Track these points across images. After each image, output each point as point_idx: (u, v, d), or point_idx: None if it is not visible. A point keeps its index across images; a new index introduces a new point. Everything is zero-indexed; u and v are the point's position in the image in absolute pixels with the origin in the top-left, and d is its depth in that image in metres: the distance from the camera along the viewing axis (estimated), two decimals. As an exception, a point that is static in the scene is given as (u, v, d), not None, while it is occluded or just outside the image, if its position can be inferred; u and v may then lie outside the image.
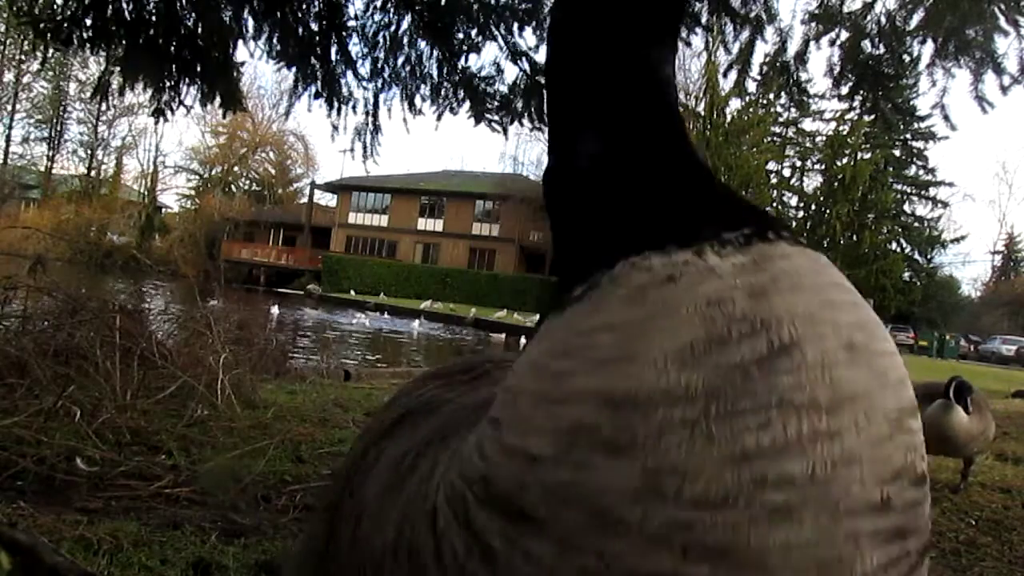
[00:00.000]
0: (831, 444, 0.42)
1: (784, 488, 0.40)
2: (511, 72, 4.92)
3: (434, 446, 0.62)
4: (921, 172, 44.40)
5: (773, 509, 0.40)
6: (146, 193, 49.82)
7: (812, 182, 43.63)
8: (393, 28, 4.80)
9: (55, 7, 4.39)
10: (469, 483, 0.49)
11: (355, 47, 4.87)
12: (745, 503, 0.40)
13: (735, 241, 0.47)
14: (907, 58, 4.17)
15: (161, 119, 4.72)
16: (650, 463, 0.41)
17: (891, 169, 42.34)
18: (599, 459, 0.43)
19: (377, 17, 4.79)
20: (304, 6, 4.61)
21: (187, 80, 4.54)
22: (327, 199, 49.22)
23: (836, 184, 39.98)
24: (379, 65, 4.90)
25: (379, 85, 4.98)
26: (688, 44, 4.53)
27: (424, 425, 0.71)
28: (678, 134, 0.57)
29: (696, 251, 0.47)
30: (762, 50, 4.45)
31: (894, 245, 43.06)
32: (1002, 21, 3.67)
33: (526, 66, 4.81)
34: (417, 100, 4.98)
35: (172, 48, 4.35)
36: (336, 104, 4.92)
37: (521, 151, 63.09)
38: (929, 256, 44.47)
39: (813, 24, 4.27)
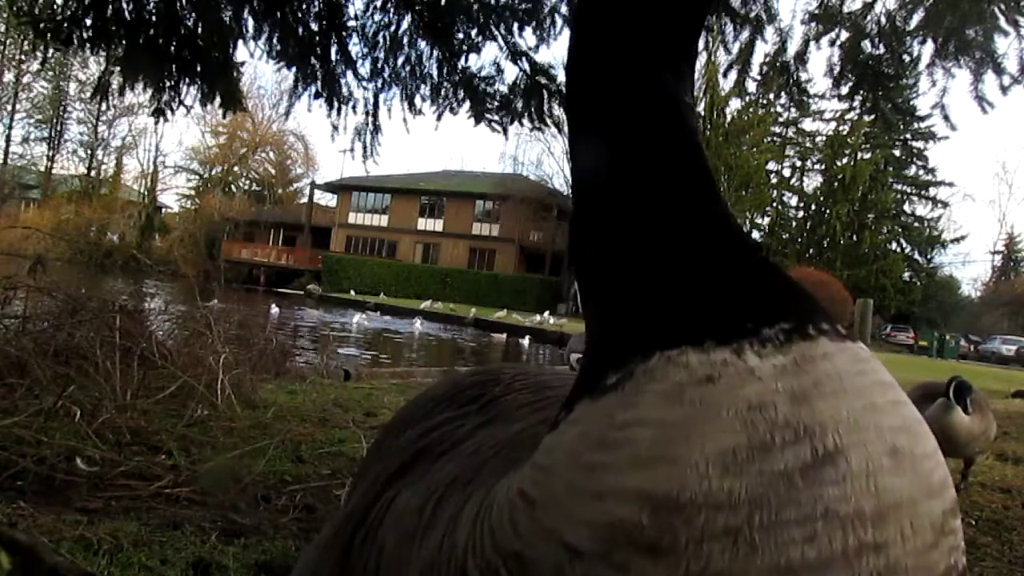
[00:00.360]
0: (876, 557, 0.41)
1: None
2: (511, 72, 4.93)
3: (455, 493, 0.62)
4: (921, 172, 44.43)
5: None
6: (146, 193, 49.83)
7: (812, 182, 43.69)
8: (393, 28, 4.80)
9: (55, 7, 4.39)
10: (503, 557, 0.49)
11: (355, 47, 4.88)
12: None
13: (775, 339, 0.46)
14: (907, 58, 4.17)
15: (161, 119, 4.72)
16: (692, 569, 0.41)
17: (891, 169, 42.36)
18: (640, 561, 0.43)
19: (377, 17, 4.80)
20: (304, 6, 4.61)
21: (187, 80, 4.54)
22: (327, 199, 49.28)
23: (836, 184, 40.00)
24: (379, 65, 4.90)
25: (379, 85, 4.99)
26: (688, 44, 4.51)
27: (440, 469, 0.71)
28: (714, 197, 0.55)
29: (735, 350, 0.46)
30: (762, 50, 4.45)
31: (894, 245, 43.09)
32: (1002, 21, 3.67)
33: (526, 66, 4.82)
34: (417, 100, 4.98)
35: (172, 48, 4.35)
36: (336, 104, 4.92)
37: (521, 151, 63.16)
38: (929, 256, 44.51)
39: (813, 24, 4.27)
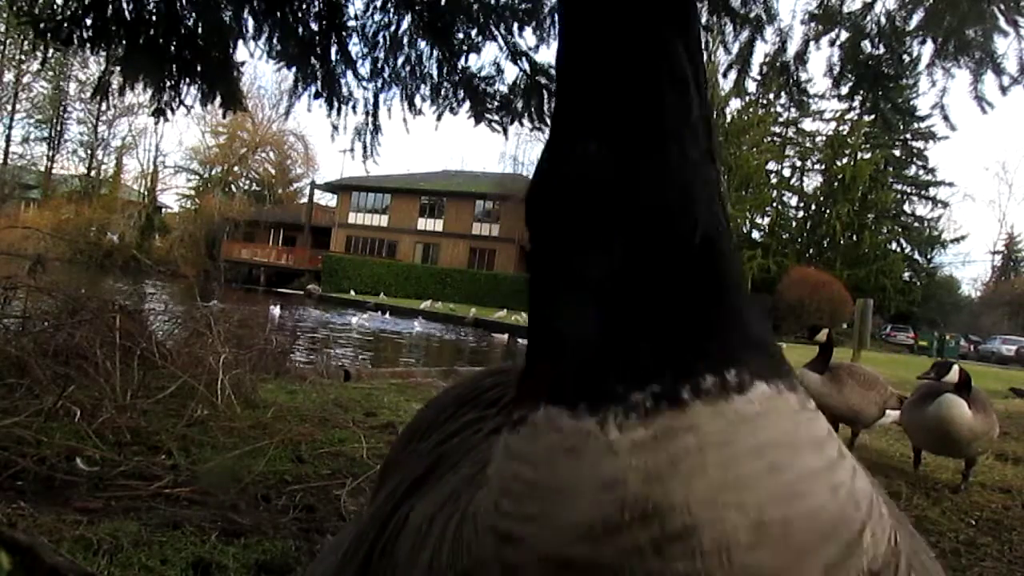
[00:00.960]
0: None
1: None
2: (511, 72, 4.93)
3: (452, 505, 0.62)
4: (921, 172, 44.42)
5: None
6: (146, 193, 49.82)
7: (812, 182, 43.69)
8: (393, 28, 4.80)
9: (55, 7, 4.39)
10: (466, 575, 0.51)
11: (355, 47, 4.87)
12: None
13: (640, 407, 0.45)
14: (907, 58, 4.17)
15: (161, 119, 4.72)
16: None
17: (891, 169, 42.36)
18: None
19: (377, 17, 4.80)
20: (304, 6, 4.61)
21: (187, 80, 4.54)
22: (327, 199, 49.28)
23: (836, 184, 40.00)
24: (379, 65, 4.90)
25: (379, 85, 4.99)
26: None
27: (450, 479, 0.71)
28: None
29: (600, 420, 0.45)
30: (762, 50, 4.45)
31: (894, 245, 43.09)
32: (1002, 21, 3.67)
33: (526, 66, 4.82)
34: (417, 100, 4.98)
35: (172, 48, 4.35)
36: (336, 104, 4.92)
37: (521, 151, 63.05)
38: (929, 256, 44.52)
39: (813, 24, 4.27)
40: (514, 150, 54.88)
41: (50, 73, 45.47)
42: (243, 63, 4.88)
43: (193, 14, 4.37)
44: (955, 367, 3.93)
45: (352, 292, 35.58)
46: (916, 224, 44.52)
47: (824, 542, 0.44)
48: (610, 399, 0.46)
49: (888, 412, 4.74)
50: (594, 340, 0.47)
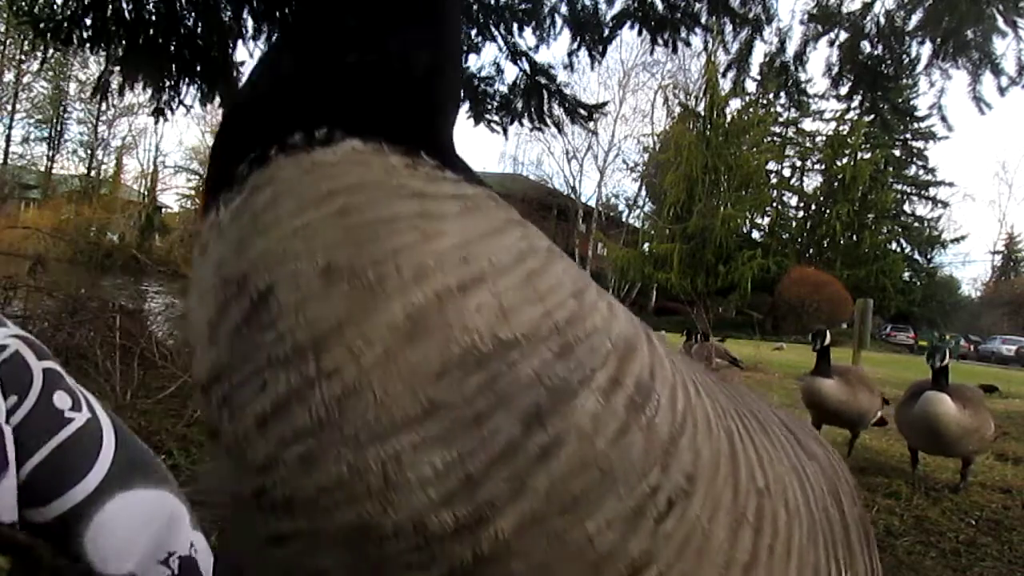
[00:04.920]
0: (329, 384, 0.38)
1: (301, 440, 0.38)
2: (511, 72, 4.94)
3: None
4: (921, 172, 44.42)
5: (300, 461, 0.38)
6: (146, 193, 49.82)
7: (812, 182, 43.68)
8: (393, 28, 4.80)
9: (55, 7, 4.40)
10: None
11: (355, 47, 4.87)
12: (278, 463, 0.39)
13: (240, 177, 0.41)
14: (906, 59, 4.18)
15: (161, 119, 4.73)
16: (220, 435, 0.41)
17: (891, 169, 42.35)
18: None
19: (377, 17, 4.79)
20: (304, 6, 4.61)
21: (187, 80, 4.54)
22: (327, 199, 49.11)
23: (836, 184, 40.02)
24: (379, 65, 4.90)
25: (379, 85, 4.98)
26: (688, 44, 4.54)
27: None
28: None
29: (216, 208, 0.42)
30: (761, 50, 4.46)
31: (894, 245, 43.08)
32: (1000, 22, 3.68)
33: (526, 66, 4.82)
34: (417, 100, 4.97)
35: (172, 48, 4.36)
36: (336, 104, 4.91)
37: (521, 151, 63.14)
38: (929, 256, 44.50)
39: (812, 24, 4.28)
40: (514, 150, 54.93)
41: (50, 73, 45.45)
42: (243, 63, 4.89)
43: (193, 14, 4.38)
44: (946, 351, 3.93)
45: (352, 292, 35.51)
46: (916, 224, 44.51)
47: (407, 291, 0.38)
48: (224, 182, 0.42)
49: (878, 412, 4.81)
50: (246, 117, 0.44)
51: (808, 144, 43.41)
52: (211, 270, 0.41)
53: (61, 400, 0.66)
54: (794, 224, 43.43)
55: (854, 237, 40.46)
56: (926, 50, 4.06)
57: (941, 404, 3.74)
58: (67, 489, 0.63)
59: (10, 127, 48.21)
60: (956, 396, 3.84)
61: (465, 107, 4.95)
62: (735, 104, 36.96)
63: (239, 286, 0.39)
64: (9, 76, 46.27)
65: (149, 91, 4.58)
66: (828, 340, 4.72)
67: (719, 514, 0.41)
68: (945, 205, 44.52)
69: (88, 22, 4.21)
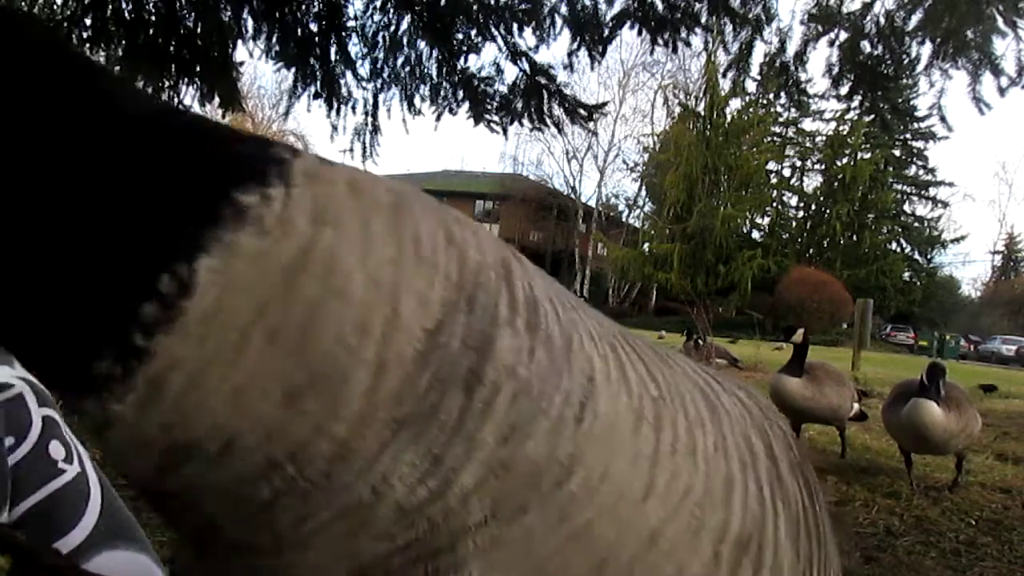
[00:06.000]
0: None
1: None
2: (511, 72, 4.93)
3: None
4: (921, 172, 44.46)
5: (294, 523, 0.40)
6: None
7: (812, 182, 43.71)
8: (392, 28, 4.81)
9: (55, 7, 4.40)
10: None
11: (355, 47, 4.88)
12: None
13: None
14: (905, 59, 4.18)
15: (160, 119, 4.72)
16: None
17: (891, 169, 42.40)
18: None
19: (376, 17, 4.80)
20: (304, 6, 4.61)
21: (186, 80, 4.54)
22: (327, 199, 49.13)
23: (836, 184, 40.04)
24: (378, 65, 4.90)
25: (378, 85, 4.99)
26: (688, 44, 4.54)
27: None
28: None
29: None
30: (761, 50, 4.46)
31: (894, 245, 43.12)
32: (1000, 22, 3.68)
33: (526, 66, 4.82)
34: (416, 100, 4.99)
35: (171, 48, 4.36)
36: (335, 104, 4.92)
37: (521, 151, 63.10)
38: (929, 256, 44.53)
39: (812, 24, 4.28)
40: (514, 150, 54.83)
41: (50, 73, 45.55)
42: (242, 63, 4.89)
43: (192, 14, 4.38)
44: (946, 372, 3.94)
45: (352, 292, 35.54)
46: (916, 224, 44.53)
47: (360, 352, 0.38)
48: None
49: (853, 405, 4.81)
50: None
51: (808, 144, 43.44)
52: None
53: (56, 450, 0.66)
54: (794, 224, 43.45)
55: (854, 237, 40.49)
56: (926, 50, 4.06)
57: (929, 413, 3.75)
58: (54, 540, 0.63)
59: (10, 127, 48.30)
60: (942, 399, 3.85)
61: (464, 107, 4.95)
62: (735, 104, 37.00)
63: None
64: (9, 76, 46.32)
65: (149, 91, 4.58)
66: (800, 337, 4.72)
67: (619, 411, 0.42)
68: (945, 205, 44.59)
69: (88, 22, 4.21)
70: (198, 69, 4.49)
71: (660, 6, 4.35)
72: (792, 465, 0.56)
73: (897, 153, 43.15)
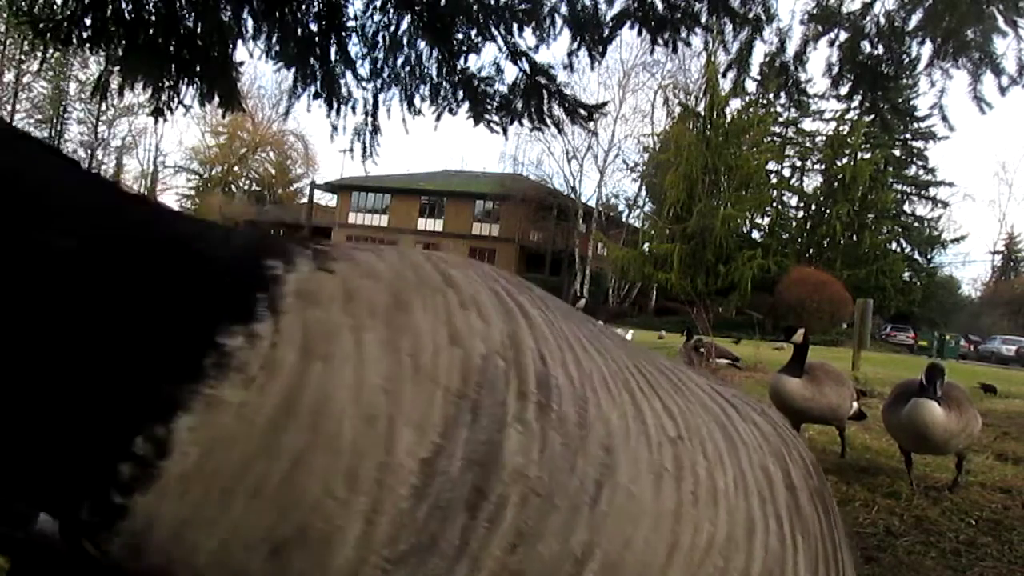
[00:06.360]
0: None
1: None
2: (511, 72, 4.93)
3: None
4: (921, 172, 44.42)
5: None
6: (146, 193, 49.80)
7: (812, 182, 43.68)
8: (392, 28, 4.80)
9: (55, 7, 4.39)
10: None
11: (354, 47, 4.88)
12: None
13: None
14: (906, 59, 4.18)
15: (160, 119, 4.73)
16: None
17: (891, 169, 42.36)
18: None
19: (376, 17, 4.80)
20: (304, 6, 4.61)
21: (186, 80, 4.54)
22: (327, 199, 49.27)
23: (836, 184, 40.01)
24: (378, 65, 4.90)
25: (378, 85, 4.99)
26: (688, 44, 4.54)
27: None
28: None
29: None
30: (761, 50, 4.46)
31: (894, 245, 43.08)
32: (1000, 22, 3.67)
33: (526, 66, 4.82)
34: (416, 100, 4.99)
35: (171, 48, 4.35)
36: (335, 104, 4.92)
37: (521, 151, 63.08)
38: (929, 256, 44.50)
39: (812, 24, 4.27)
40: (514, 150, 54.86)
41: (50, 73, 45.48)
42: (242, 63, 4.89)
43: (192, 14, 4.38)
44: (944, 373, 3.94)
45: (352, 292, 35.48)
46: (916, 224, 44.50)
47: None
48: None
49: (853, 404, 4.80)
50: None
51: (808, 144, 43.41)
52: None
53: None
54: (794, 224, 43.42)
55: (854, 237, 40.46)
56: (926, 50, 4.06)
57: (929, 413, 3.75)
58: None
59: (10, 127, 48.14)
60: (943, 399, 3.85)
61: (464, 107, 4.95)
62: (735, 104, 36.98)
63: None
64: (9, 76, 46.24)
65: (149, 91, 4.58)
66: (801, 337, 4.72)
67: (640, 473, 0.40)
68: (945, 205, 44.56)
69: (88, 22, 4.20)
70: (198, 69, 4.49)
71: (660, 6, 4.34)
72: (811, 492, 0.55)
73: (897, 153, 43.12)
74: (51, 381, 0.33)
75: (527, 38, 4.77)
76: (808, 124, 43.05)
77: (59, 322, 0.33)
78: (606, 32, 4.58)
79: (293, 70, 4.79)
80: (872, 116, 5.75)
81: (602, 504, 0.39)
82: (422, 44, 4.83)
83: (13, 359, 0.32)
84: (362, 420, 0.35)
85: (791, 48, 4.41)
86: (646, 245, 39.18)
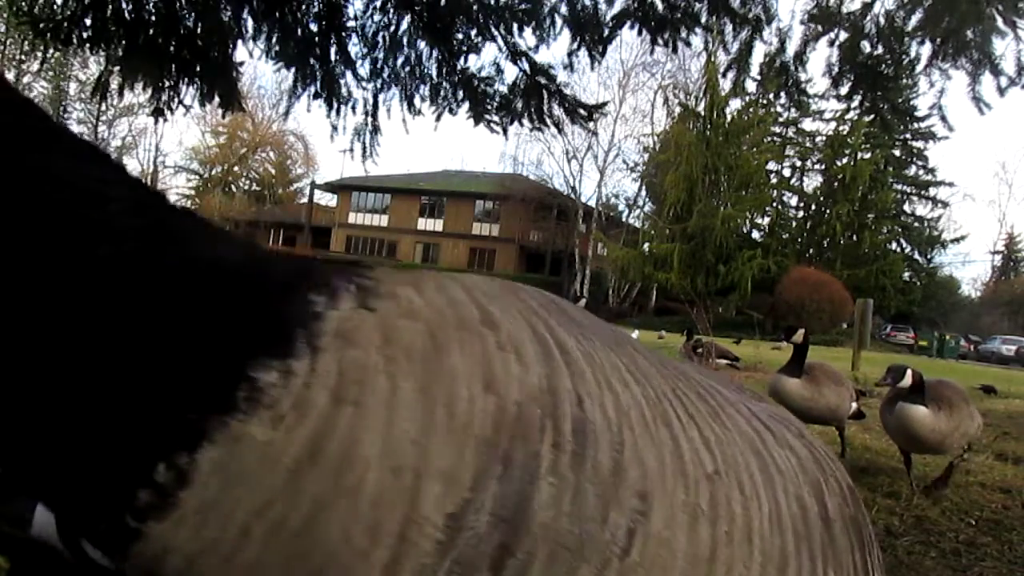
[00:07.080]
0: None
1: None
2: (511, 72, 4.93)
3: None
4: (921, 172, 44.44)
5: None
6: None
7: (812, 182, 43.69)
8: (392, 28, 4.80)
9: (55, 7, 4.39)
10: None
11: (354, 47, 4.88)
12: None
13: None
14: (905, 59, 4.18)
15: (161, 119, 4.73)
16: None
17: (891, 169, 42.36)
18: None
19: (376, 17, 4.80)
20: (304, 6, 4.61)
21: (186, 80, 4.54)
22: (327, 199, 49.29)
23: (836, 184, 40.00)
24: (378, 65, 4.90)
25: (378, 85, 4.99)
26: (688, 44, 4.54)
27: None
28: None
29: None
30: (761, 50, 4.46)
31: (894, 245, 43.10)
32: (1000, 22, 3.68)
33: (526, 66, 4.82)
34: (416, 100, 4.98)
35: (171, 48, 4.35)
36: (335, 104, 4.92)
37: (521, 151, 63.06)
38: (929, 256, 44.52)
39: (812, 24, 4.28)
40: (514, 150, 54.85)
41: (50, 73, 45.52)
42: (242, 63, 4.89)
43: (192, 14, 4.38)
44: (908, 371, 3.93)
45: (352, 292, 35.48)
46: (916, 224, 44.52)
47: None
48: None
49: (852, 404, 4.82)
50: None
51: (808, 144, 43.42)
52: None
53: None
54: (794, 224, 43.42)
55: (854, 237, 40.46)
56: (926, 50, 4.06)
57: (913, 415, 3.76)
58: None
59: (10, 127, 48.13)
60: (932, 399, 3.85)
61: (464, 107, 4.95)
62: (735, 104, 36.97)
63: None
64: (9, 76, 46.22)
65: (149, 91, 4.58)
66: (801, 337, 4.72)
67: (675, 515, 0.39)
68: (945, 205, 44.60)
69: (88, 22, 4.20)
70: (198, 69, 4.49)
71: (660, 6, 4.34)
72: (846, 522, 0.53)
73: (897, 153, 43.13)
74: (77, 395, 0.33)
75: (527, 38, 4.77)
76: (808, 124, 43.10)
77: (95, 336, 0.33)
78: (606, 32, 4.58)
79: (293, 70, 4.79)
80: (872, 116, 5.76)
81: (633, 554, 0.37)
82: (422, 44, 4.84)
83: (42, 363, 0.32)
84: (389, 471, 0.34)
85: (791, 48, 4.42)
86: (646, 245, 39.17)
